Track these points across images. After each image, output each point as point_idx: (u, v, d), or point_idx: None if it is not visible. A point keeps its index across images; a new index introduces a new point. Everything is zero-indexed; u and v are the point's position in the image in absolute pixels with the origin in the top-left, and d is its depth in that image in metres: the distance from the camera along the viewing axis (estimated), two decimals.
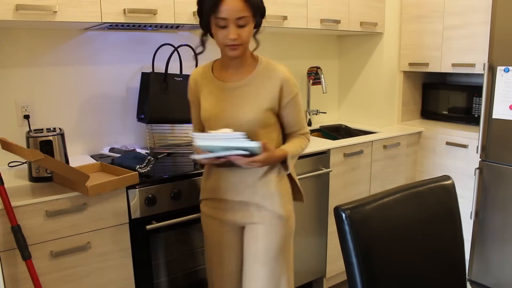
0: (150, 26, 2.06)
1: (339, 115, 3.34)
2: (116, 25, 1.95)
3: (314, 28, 2.52)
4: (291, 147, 1.58)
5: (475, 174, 2.52)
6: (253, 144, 1.38)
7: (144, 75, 2.24)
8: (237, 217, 1.62)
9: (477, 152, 2.54)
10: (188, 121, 2.24)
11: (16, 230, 1.49)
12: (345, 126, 3.07)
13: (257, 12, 1.50)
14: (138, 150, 2.26)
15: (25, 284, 1.58)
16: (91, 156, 2.20)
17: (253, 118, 1.52)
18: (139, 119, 2.27)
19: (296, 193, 1.71)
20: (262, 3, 1.53)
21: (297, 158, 1.65)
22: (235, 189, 1.58)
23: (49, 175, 1.76)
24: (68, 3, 1.71)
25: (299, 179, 2.25)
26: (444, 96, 3.04)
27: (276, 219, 1.58)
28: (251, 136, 1.44)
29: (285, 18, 2.34)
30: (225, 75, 1.57)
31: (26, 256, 1.50)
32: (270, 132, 1.58)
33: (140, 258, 1.83)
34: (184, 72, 2.37)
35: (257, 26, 1.55)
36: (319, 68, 2.95)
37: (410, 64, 2.96)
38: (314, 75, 3.00)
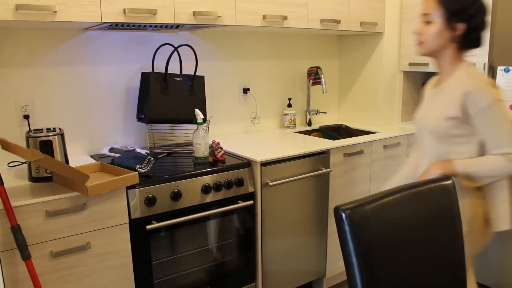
0: (150, 26, 2.06)
1: (339, 115, 3.34)
2: (116, 25, 1.95)
3: (314, 28, 2.52)
4: (464, 160, 1.50)
5: None
6: None
7: (144, 75, 2.24)
8: None
9: None
10: (188, 121, 2.25)
11: (16, 230, 1.48)
12: (345, 126, 3.07)
13: (450, 13, 1.46)
14: (138, 150, 2.26)
15: (25, 284, 1.58)
16: (91, 156, 2.20)
17: (431, 125, 1.54)
18: (139, 119, 2.27)
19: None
20: (460, 6, 1.46)
21: (480, 176, 1.51)
22: None
23: (49, 175, 1.76)
24: (68, 3, 1.71)
25: (299, 179, 2.26)
26: None
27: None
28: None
29: (285, 18, 2.34)
30: (438, 81, 1.62)
31: (26, 256, 1.50)
32: (455, 144, 1.54)
33: (140, 258, 1.83)
34: (184, 72, 2.37)
35: (455, 30, 1.49)
36: (319, 68, 2.95)
37: (410, 64, 2.95)
38: (314, 75, 3.00)
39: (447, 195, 1.27)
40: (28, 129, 1.94)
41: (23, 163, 2.03)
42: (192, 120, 2.24)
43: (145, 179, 1.81)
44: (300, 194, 2.31)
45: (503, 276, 2.47)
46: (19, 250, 1.50)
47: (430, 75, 3.22)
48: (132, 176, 1.72)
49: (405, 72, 3.05)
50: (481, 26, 1.49)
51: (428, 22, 1.49)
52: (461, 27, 1.47)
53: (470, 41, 1.51)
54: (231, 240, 2.11)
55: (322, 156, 2.36)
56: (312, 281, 2.63)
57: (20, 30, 1.99)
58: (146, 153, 2.22)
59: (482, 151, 1.53)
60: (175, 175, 1.88)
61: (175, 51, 2.25)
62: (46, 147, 1.75)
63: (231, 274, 2.14)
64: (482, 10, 1.47)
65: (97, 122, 2.26)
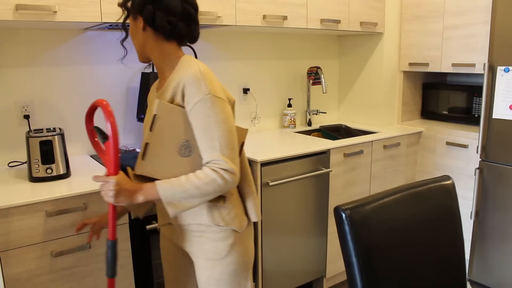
0: None
1: (339, 115, 3.34)
2: (116, 25, 1.95)
3: (314, 28, 2.52)
4: (168, 180, 1.21)
5: (475, 174, 2.52)
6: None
7: (144, 75, 2.24)
8: (179, 240, 1.43)
9: (477, 152, 2.54)
10: None
11: (112, 245, 1.32)
12: (345, 126, 3.07)
13: (128, 13, 1.33)
14: (138, 150, 2.26)
15: (25, 284, 1.58)
16: (91, 156, 2.20)
17: None
18: (139, 119, 2.27)
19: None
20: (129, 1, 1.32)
21: (188, 204, 1.22)
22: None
23: (49, 175, 1.76)
24: (68, 3, 1.71)
25: (299, 179, 2.26)
26: (444, 96, 3.04)
27: (209, 253, 1.35)
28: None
29: (285, 18, 2.34)
30: (160, 83, 1.40)
31: (110, 274, 1.35)
32: (193, 158, 1.26)
33: (140, 258, 1.83)
34: None
35: (154, 26, 1.29)
36: (319, 68, 2.95)
37: (410, 64, 2.96)
38: (314, 75, 3.00)
39: (447, 195, 1.27)
40: (28, 129, 1.94)
41: (23, 163, 2.04)
42: None
43: None
44: (300, 194, 2.31)
45: (503, 276, 2.47)
46: (107, 265, 1.34)
47: (430, 75, 3.23)
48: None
49: (405, 72, 3.05)
50: (157, 9, 1.27)
51: (126, 32, 1.37)
52: (141, 19, 1.30)
53: (163, 31, 1.29)
54: None
55: (322, 156, 2.36)
56: (312, 281, 2.63)
57: (20, 30, 1.99)
58: None
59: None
60: None
61: None
62: (46, 147, 1.75)
63: None
64: None
65: (97, 122, 2.26)
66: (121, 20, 1.36)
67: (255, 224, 2.17)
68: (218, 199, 1.31)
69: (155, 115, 1.24)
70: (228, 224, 1.35)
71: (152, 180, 1.26)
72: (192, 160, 1.26)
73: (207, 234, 1.35)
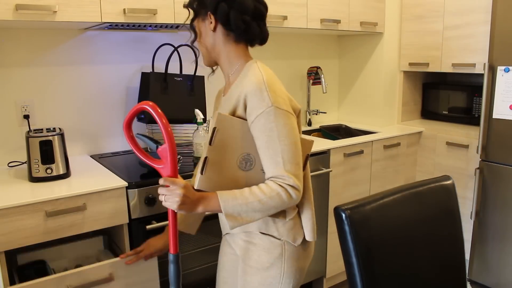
0: (150, 26, 2.06)
1: (339, 115, 3.34)
2: (116, 25, 1.95)
3: (314, 28, 2.52)
4: (231, 192, 1.16)
5: (475, 174, 2.52)
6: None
7: (144, 75, 2.24)
8: (234, 244, 1.40)
9: (477, 152, 2.54)
10: (188, 121, 2.25)
11: (175, 259, 1.21)
12: (345, 126, 3.07)
13: (196, 13, 1.30)
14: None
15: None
16: (91, 156, 2.20)
17: None
18: (139, 119, 2.27)
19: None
20: (199, 1, 1.27)
21: (248, 218, 1.16)
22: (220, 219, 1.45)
23: (49, 175, 1.76)
24: (68, 3, 1.71)
25: None
26: (444, 96, 3.04)
27: (252, 260, 1.31)
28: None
29: (285, 18, 2.34)
30: (226, 88, 1.38)
31: None
32: (255, 172, 1.22)
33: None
34: (184, 72, 2.37)
35: (227, 26, 1.26)
36: (319, 68, 2.95)
37: (410, 64, 2.96)
38: (314, 75, 3.00)
39: (447, 195, 1.27)
40: (28, 129, 1.94)
41: (23, 163, 2.04)
42: (192, 120, 2.24)
43: (145, 179, 1.81)
44: None
45: (503, 276, 2.47)
46: (170, 281, 1.22)
47: (430, 75, 3.23)
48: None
49: (405, 72, 3.05)
50: (231, 8, 1.24)
51: (195, 34, 1.32)
52: (212, 18, 1.26)
53: (237, 31, 1.28)
54: None
55: (322, 156, 2.36)
56: (312, 281, 2.63)
57: (20, 30, 1.99)
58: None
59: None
60: None
61: (175, 51, 2.25)
62: (46, 147, 1.75)
63: None
64: None
65: (97, 122, 2.26)
66: (188, 21, 1.32)
67: None
68: (278, 214, 1.25)
69: (214, 128, 1.18)
70: (282, 235, 1.27)
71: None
72: (253, 174, 1.21)
73: (254, 241, 1.30)
